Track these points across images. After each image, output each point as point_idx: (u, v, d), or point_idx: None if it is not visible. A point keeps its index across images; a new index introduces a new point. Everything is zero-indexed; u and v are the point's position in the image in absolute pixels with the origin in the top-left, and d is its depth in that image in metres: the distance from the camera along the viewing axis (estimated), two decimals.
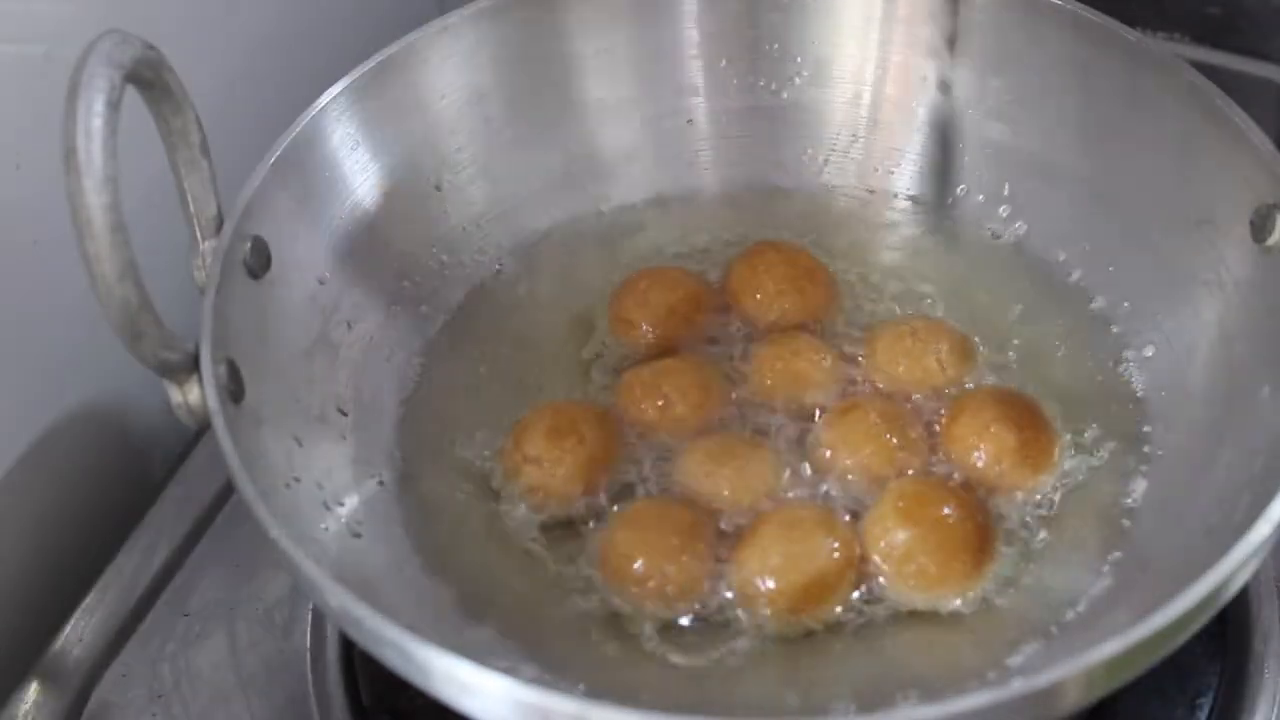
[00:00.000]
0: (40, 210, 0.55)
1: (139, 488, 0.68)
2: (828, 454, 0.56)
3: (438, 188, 0.64)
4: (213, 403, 0.47)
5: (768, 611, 0.51)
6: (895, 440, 0.55)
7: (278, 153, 0.56)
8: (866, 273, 0.64)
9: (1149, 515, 0.53)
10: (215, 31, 0.71)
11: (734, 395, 0.59)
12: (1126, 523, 0.54)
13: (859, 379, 0.59)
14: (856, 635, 0.51)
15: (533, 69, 0.66)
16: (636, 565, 0.52)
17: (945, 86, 0.66)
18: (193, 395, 0.48)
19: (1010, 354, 0.60)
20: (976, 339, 0.61)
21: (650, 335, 0.61)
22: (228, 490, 0.64)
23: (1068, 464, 0.56)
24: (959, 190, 0.66)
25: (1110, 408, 0.58)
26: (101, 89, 0.43)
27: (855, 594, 0.52)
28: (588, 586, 0.53)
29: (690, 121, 0.69)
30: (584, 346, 0.62)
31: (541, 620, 0.52)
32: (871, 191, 0.68)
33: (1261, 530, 0.42)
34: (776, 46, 0.68)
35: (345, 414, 0.57)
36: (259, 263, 0.54)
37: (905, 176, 0.67)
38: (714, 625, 0.51)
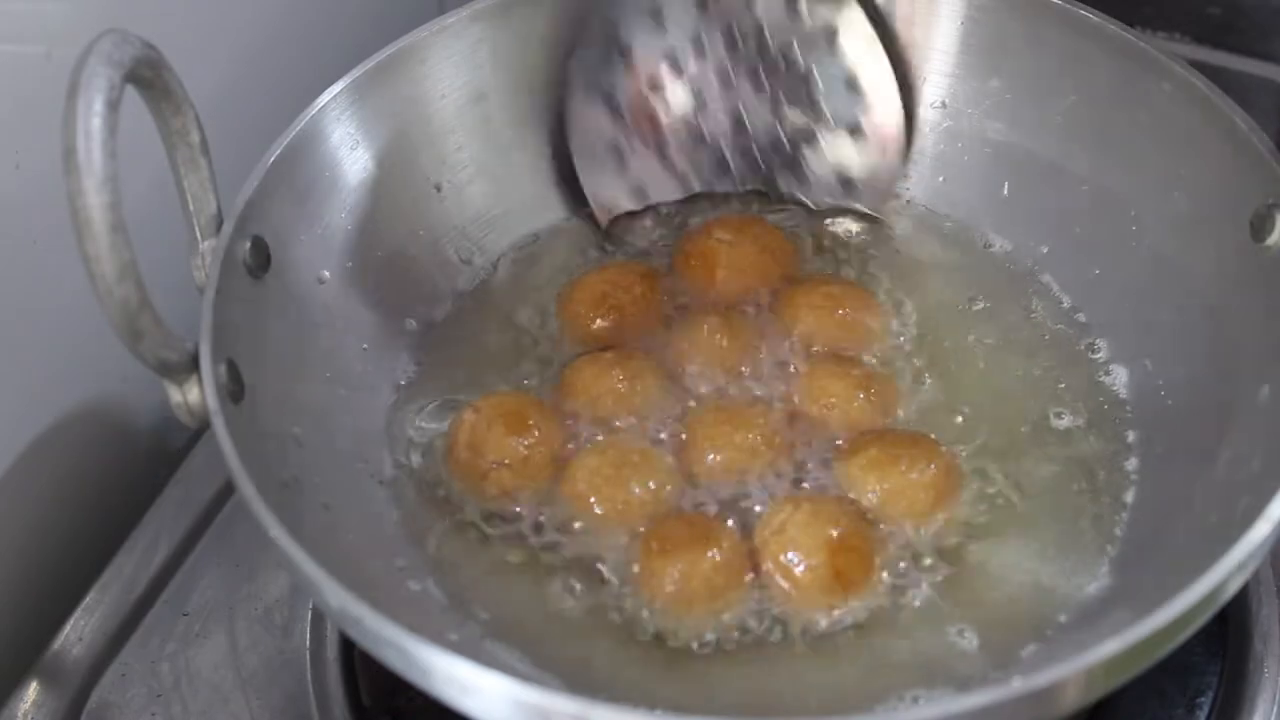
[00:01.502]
0: (40, 210, 0.55)
1: (139, 488, 0.68)
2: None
3: (437, 188, 0.64)
4: (212, 402, 0.47)
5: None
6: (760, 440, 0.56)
7: (278, 152, 0.56)
8: (861, 272, 0.64)
9: (1149, 515, 0.54)
10: (215, 31, 0.71)
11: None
12: (1126, 522, 0.54)
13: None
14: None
15: (532, 68, 0.66)
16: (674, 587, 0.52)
17: (944, 87, 0.66)
18: (192, 395, 0.48)
19: (1006, 356, 0.60)
20: (966, 342, 0.61)
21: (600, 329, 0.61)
22: (228, 490, 0.64)
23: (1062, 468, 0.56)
24: (958, 189, 0.66)
25: (1110, 408, 0.58)
26: (101, 89, 0.43)
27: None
28: (580, 583, 0.53)
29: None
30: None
31: (540, 619, 0.52)
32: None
33: (1261, 530, 0.42)
34: None
35: (344, 413, 0.57)
36: (259, 262, 0.54)
37: (904, 176, 0.67)
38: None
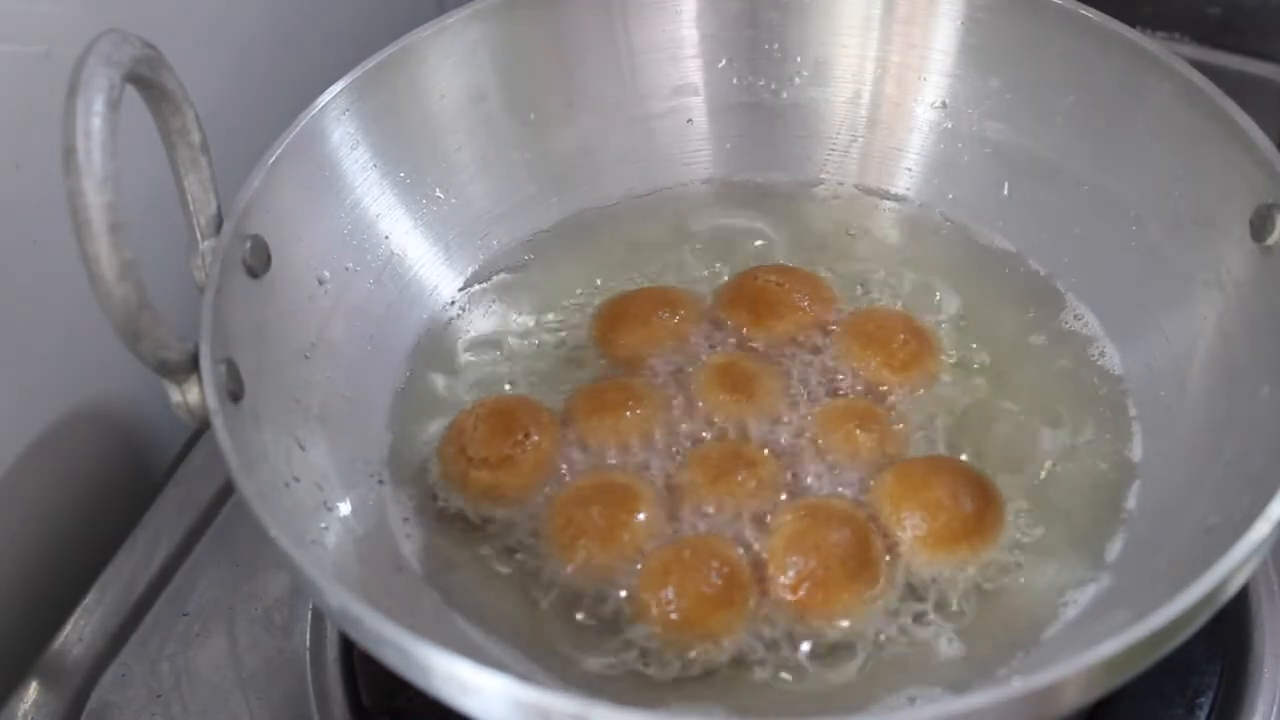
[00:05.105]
0: (40, 210, 0.55)
1: (139, 488, 0.68)
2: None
3: (437, 187, 0.64)
4: (212, 402, 0.47)
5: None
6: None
7: (278, 152, 0.56)
8: (861, 272, 0.64)
9: (1149, 515, 0.53)
10: (215, 31, 0.71)
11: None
12: (1126, 522, 0.54)
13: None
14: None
15: (532, 69, 0.66)
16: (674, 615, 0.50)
17: (944, 87, 0.66)
18: (192, 395, 0.48)
19: (1006, 356, 0.60)
20: (969, 341, 0.61)
21: (628, 355, 0.60)
22: (228, 490, 0.64)
23: (1065, 466, 0.56)
24: (958, 189, 0.66)
25: (1109, 408, 0.58)
26: (101, 88, 0.43)
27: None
28: (575, 588, 0.53)
29: (690, 121, 0.69)
30: (575, 349, 0.62)
31: (536, 620, 0.52)
32: (870, 191, 0.68)
33: (1261, 530, 0.42)
34: (776, 46, 0.68)
35: (345, 414, 0.57)
36: (258, 262, 0.54)
37: (904, 176, 0.67)
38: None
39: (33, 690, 0.59)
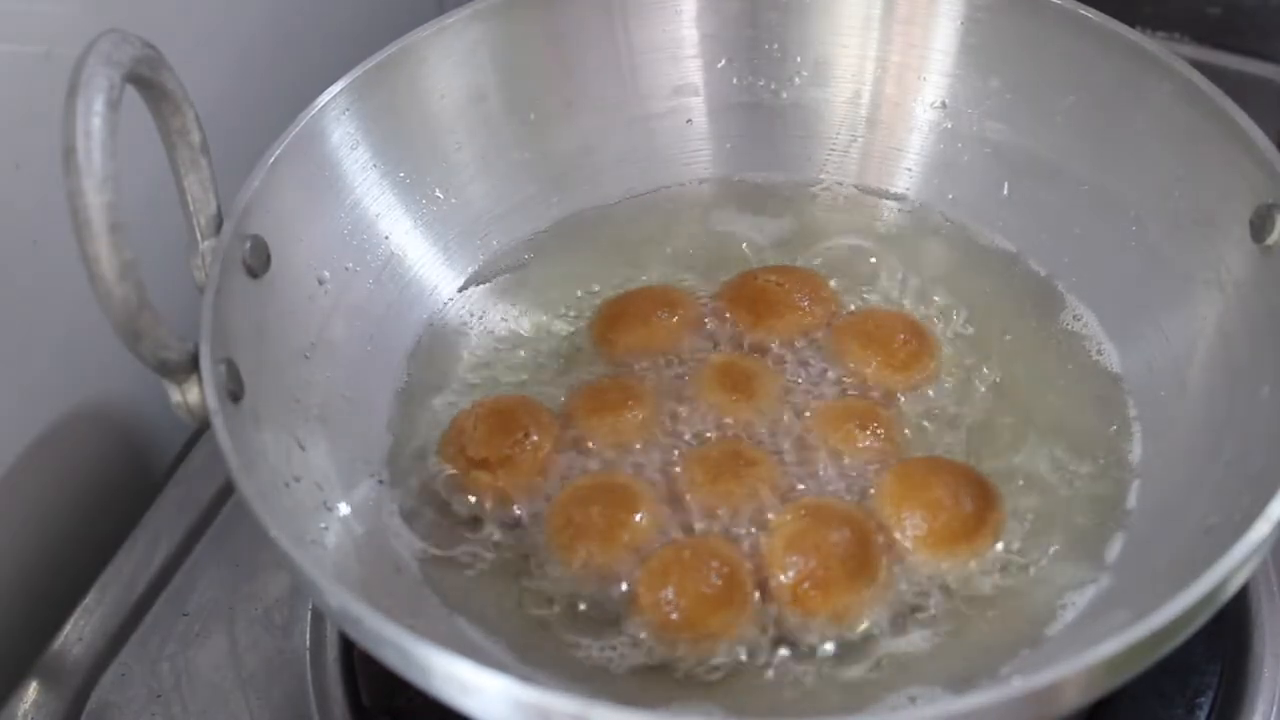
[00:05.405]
0: (40, 210, 0.55)
1: (139, 488, 0.68)
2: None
3: (437, 187, 0.64)
4: (212, 402, 0.47)
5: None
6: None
7: (277, 152, 0.56)
8: (860, 272, 0.64)
9: (1148, 515, 0.53)
10: (215, 31, 0.71)
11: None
12: (1126, 522, 0.54)
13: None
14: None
15: (532, 69, 0.66)
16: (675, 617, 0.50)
17: (944, 87, 0.66)
18: (192, 395, 0.48)
19: (1006, 356, 0.60)
20: (968, 340, 0.61)
21: (628, 355, 0.60)
22: (228, 490, 0.64)
23: (1067, 468, 0.56)
24: (958, 189, 0.66)
25: (1109, 408, 0.58)
26: (101, 88, 0.43)
27: None
28: (574, 589, 0.53)
29: (690, 121, 0.69)
30: (575, 349, 0.62)
31: (536, 620, 0.52)
32: (870, 191, 0.68)
33: (1261, 530, 0.42)
34: (776, 46, 0.68)
35: (345, 414, 0.57)
36: (258, 262, 0.54)
37: (904, 176, 0.67)
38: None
39: (33, 690, 0.59)
